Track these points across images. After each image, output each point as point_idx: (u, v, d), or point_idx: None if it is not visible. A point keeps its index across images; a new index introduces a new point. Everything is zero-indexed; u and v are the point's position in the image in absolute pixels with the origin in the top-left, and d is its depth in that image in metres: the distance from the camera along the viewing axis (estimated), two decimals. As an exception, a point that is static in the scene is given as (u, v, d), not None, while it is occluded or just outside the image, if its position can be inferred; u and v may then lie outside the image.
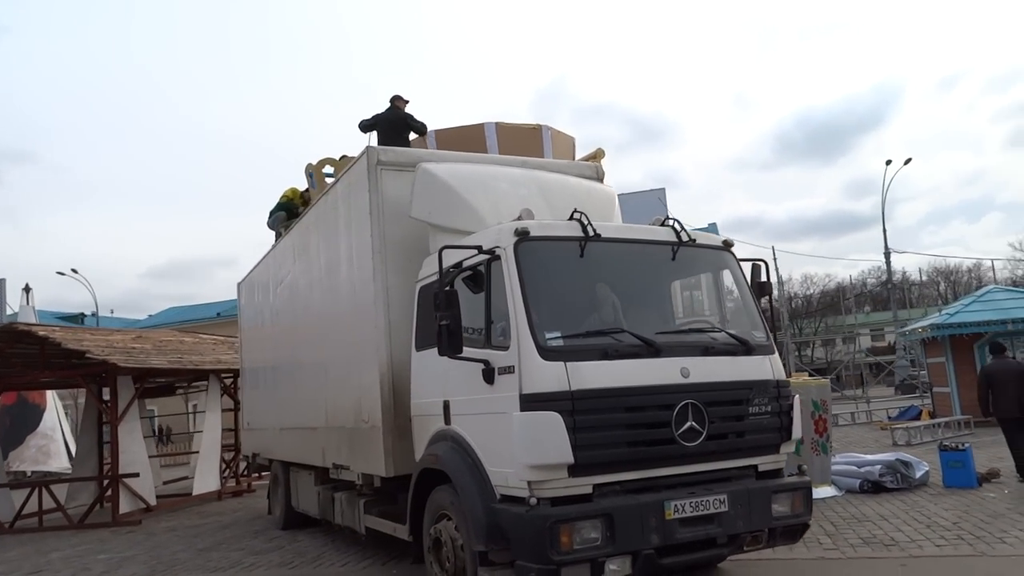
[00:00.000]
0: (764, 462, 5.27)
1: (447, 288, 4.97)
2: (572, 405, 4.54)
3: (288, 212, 11.84)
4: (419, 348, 6.09)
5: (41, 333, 12.57)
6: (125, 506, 12.47)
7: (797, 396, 5.50)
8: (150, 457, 14.75)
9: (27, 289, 20.53)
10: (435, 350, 5.70)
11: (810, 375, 16.95)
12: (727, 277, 5.80)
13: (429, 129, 8.85)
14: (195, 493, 14.30)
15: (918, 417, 18.56)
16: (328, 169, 10.79)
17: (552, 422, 4.47)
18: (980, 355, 17.79)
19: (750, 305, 5.73)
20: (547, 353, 4.65)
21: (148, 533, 11.09)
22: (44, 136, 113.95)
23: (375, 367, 6.51)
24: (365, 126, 9.21)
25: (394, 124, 9.15)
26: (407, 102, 9.49)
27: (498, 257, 5.03)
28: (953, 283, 77.87)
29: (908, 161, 33.31)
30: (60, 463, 18.70)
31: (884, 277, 41.16)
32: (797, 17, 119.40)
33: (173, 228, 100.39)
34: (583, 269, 5.20)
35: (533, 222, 5.15)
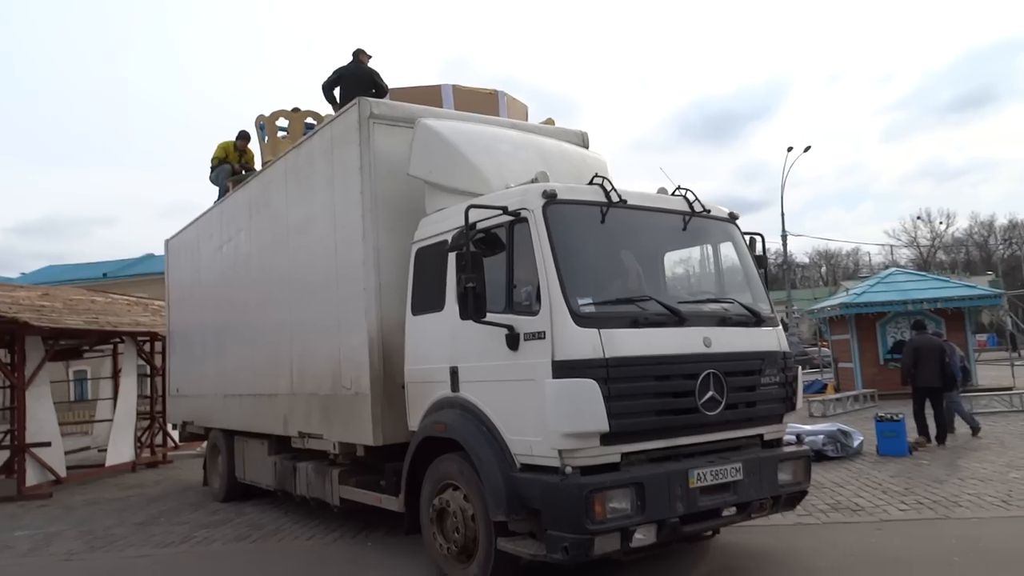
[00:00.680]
0: (769, 431, 5.39)
1: (473, 250, 4.73)
2: (607, 373, 4.45)
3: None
4: (416, 312, 5.83)
5: (-66, 288, 11.24)
6: (32, 478, 11.44)
7: (799, 367, 5.65)
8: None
9: None
10: (434, 314, 5.56)
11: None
12: (732, 249, 5.85)
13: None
14: (108, 464, 13.28)
15: (823, 391, 19.83)
16: (282, 122, 10.18)
17: (589, 389, 4.37)
18: (882, 333, 19.20)
19: (755, 277, 5.81)
20: (581, 319, 4.53)
21: (65, 507, 10.22)
22: None
23: (363, 331, 6.18)
24: (329, 82, 8.70)
25: (360, 79, 8.69)
26: (370, 57, 9.03)
27: (523, 219, 4.84)
28: (833, 266, 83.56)
29: (808, 149, 34.98)
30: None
31: (778, 259, 43.42)
32: (700, 5, 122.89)
33: (45, 181, 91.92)
34: (606, 235, 5.09)
35: (560, 185, 4.99)
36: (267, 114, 10.06)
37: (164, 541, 7.59)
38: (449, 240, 5.35)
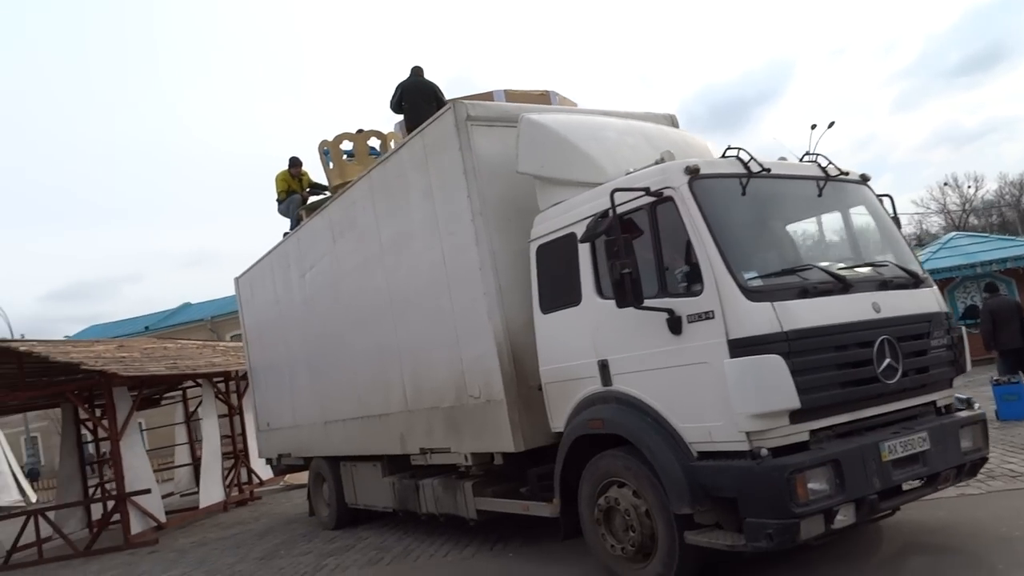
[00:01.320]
0: (941, 397, 5.10)
1: (622, 235, 4.54)
2: (788, 347, 4.22)
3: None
4: (546, 310, 5.65)
5: (22, 348, 11.36)
6: (136, 526, 11.48)
7: (963, 327, 5.35)
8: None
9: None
10: (570, 310, 5.39)
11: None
12: (868, 211, 5.58)
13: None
14: (201, 506, 13.33)
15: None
16: (346, 145, 10.16)
17: (775, 365, 4.14)
18: (951, 300, 18.57)
19: (898, 238, 5.54)
20: (751, 294, 4.31)
21: (177, 551, 10.20)
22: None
23: (488, 336, 6.01)
24: (396, 100, 8.90)
25: (423, 91, 8.96)
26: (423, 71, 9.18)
27: (668, 199, 4.64)
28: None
29: (832, 124, 34.14)
30: (11, 496, 17.35)
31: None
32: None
33: (68, 247, 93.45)
34: (751, 207, 4.88)
35: (701, 160, 4.79)
36: (330, 139, 10.07)
37: (296, 572, 7.48)
38: (578, 232, 5.19)
